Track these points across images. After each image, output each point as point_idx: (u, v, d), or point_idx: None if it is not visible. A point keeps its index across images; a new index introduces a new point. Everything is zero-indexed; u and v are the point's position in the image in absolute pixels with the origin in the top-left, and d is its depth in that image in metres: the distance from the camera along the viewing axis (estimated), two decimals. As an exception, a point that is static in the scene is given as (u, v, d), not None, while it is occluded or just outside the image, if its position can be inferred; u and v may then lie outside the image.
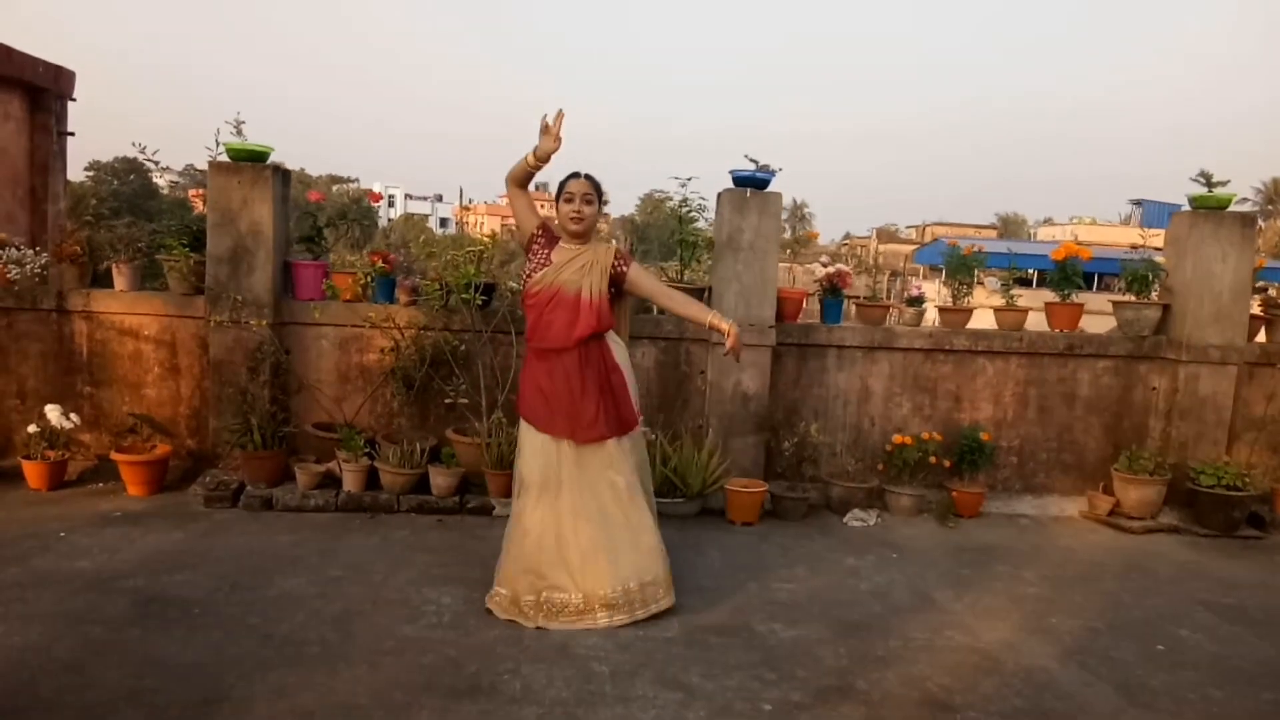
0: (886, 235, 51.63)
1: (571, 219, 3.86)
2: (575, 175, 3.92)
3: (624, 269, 3.89)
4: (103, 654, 3.20)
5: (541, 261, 3.89)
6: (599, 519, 3.73)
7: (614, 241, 4.10)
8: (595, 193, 3.89)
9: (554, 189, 4.05)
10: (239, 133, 5.29)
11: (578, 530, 3.72)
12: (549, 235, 3.95)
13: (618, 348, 3.95)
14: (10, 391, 5.45)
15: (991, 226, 57.68)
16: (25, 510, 4.79)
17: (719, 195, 5.55)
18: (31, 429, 5.11)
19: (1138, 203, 44.24)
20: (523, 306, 4.02)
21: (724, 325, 3.80)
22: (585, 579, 3.68)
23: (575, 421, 3.76)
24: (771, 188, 5.49)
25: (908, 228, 57.73)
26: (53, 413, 5.08)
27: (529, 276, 3.90)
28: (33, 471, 5.09)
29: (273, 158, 5.34)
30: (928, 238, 43.34)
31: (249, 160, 5.24)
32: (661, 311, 5.70)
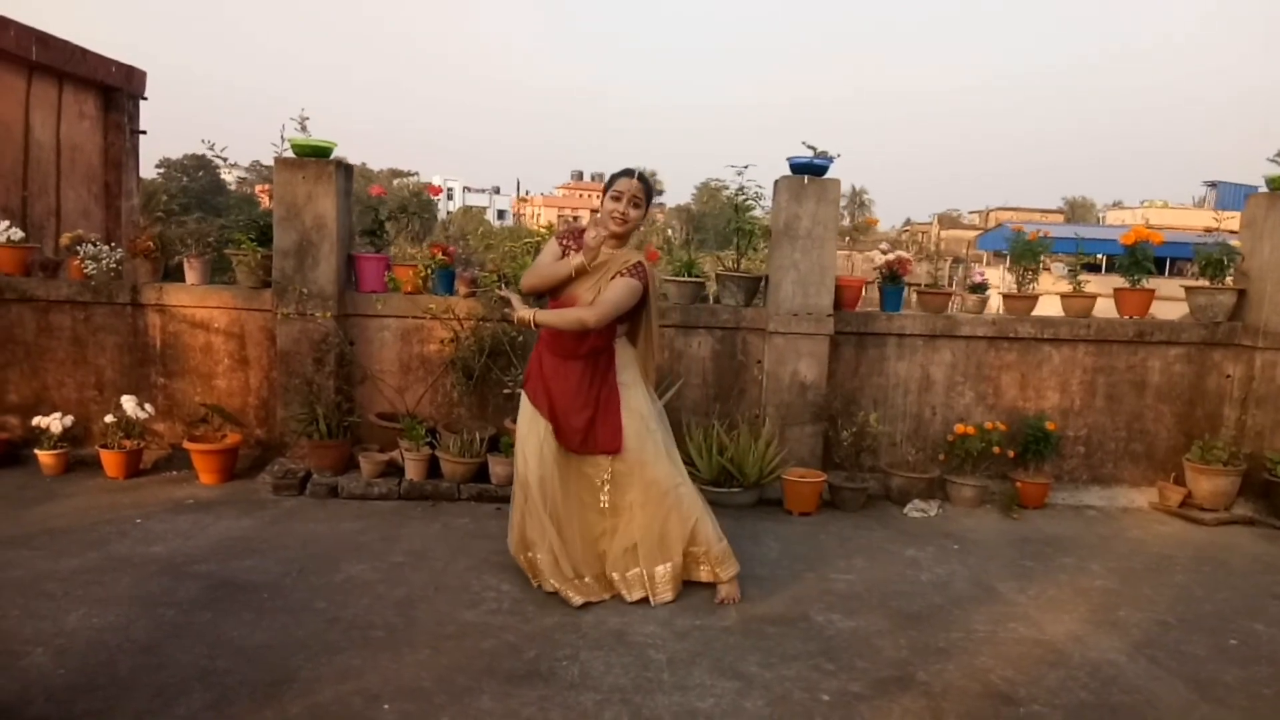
0: (949, 221, 50.69)
1: (615, 219, 3.69)
2: (629, 173, 3.73)
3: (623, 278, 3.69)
4: (176, 636, 3.31)
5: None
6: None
7: (644, 247, 4.01)
8: (645, 197, 3.74)
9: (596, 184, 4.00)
10: (304, 129, 5.39)
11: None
12: (573, 237, 3.83)
13: (626, 365, 3.85)
14: (89, 383, 5.64)
15: (1058, 211, 56.32)
16: (104, 497, 4.96)
17: (775, 183, 5.50)
18: (109, 419, 5.29)
19: (1213, 184, 42.84)
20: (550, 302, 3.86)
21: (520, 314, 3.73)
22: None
23: (567, 431, 3.78)
24: (830, 174, 5.43)
25: (970, 213, 56.62)
26: (128, 403, 5.25)
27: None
28: (110, 460, 5.27)
29: (335, 154, 5.43)
30: (991, 223, 42.49)
31: (313, 156, 5.33)
32: (718, 299, 5.70)
